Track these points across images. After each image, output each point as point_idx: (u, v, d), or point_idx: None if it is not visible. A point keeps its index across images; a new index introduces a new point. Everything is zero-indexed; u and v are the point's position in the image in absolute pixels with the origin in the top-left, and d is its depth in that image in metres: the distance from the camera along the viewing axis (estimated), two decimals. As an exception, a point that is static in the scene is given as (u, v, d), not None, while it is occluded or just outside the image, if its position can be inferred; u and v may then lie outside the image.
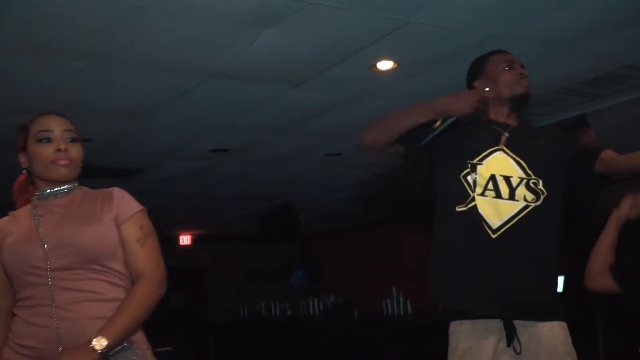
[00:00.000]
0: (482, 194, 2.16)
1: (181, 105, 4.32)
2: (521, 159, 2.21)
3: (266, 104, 4.43)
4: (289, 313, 10.20)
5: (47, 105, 3.89)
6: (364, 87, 4.21)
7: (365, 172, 6.97)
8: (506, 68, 2.28)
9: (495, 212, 2.14)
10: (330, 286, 11.06)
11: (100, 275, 1.87)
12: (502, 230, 2.13)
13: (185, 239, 11.45)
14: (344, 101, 4.49)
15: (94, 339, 1.73)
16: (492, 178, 2.18)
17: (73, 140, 1.96)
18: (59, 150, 1.91)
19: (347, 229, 11.59)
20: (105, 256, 1.88)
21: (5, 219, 1.97)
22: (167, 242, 11.01)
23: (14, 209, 2.02)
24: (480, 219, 2.14)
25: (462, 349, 2.12)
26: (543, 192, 2.18)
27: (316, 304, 9.79)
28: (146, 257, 1.93)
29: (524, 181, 2.18)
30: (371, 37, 3.37)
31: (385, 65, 3.78)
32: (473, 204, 2.16)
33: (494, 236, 2.13)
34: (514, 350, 2.07)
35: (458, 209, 2.18)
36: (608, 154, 2.27)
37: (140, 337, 1.91)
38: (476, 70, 2.37)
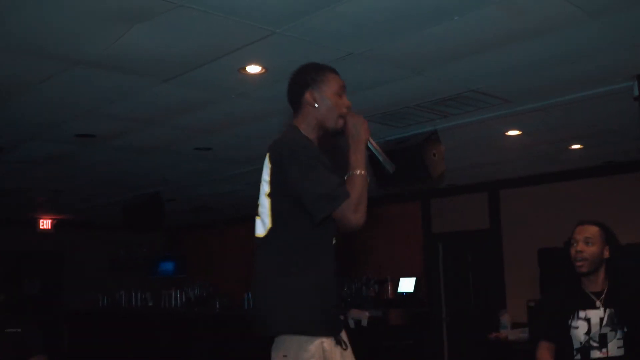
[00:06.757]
0: None
1: (46, 88, 4.24)
2: None
3: (135, 95, 4.45)
4: (150, 304, 10.12)
5: None
6: (233, 88, 4.35)
7: (234, 168, 7.11)
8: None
9: None
10: (196, 279, 11.07)
11: None
12: None
13: (45, 223, 11.00)
14: (213, 99, 4.60)
15: None
16: None
17: None
18: None
19: (215, 223, 11.64)
20: None
21: None
22: (25, 225, 10.64)
23: None
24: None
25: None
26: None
27: (179, 295, 9.79)
28: None
29: None
30: (240, 42, 3.52)
31: (253, 69, 3.94)
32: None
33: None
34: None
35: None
36: None
37: None
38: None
